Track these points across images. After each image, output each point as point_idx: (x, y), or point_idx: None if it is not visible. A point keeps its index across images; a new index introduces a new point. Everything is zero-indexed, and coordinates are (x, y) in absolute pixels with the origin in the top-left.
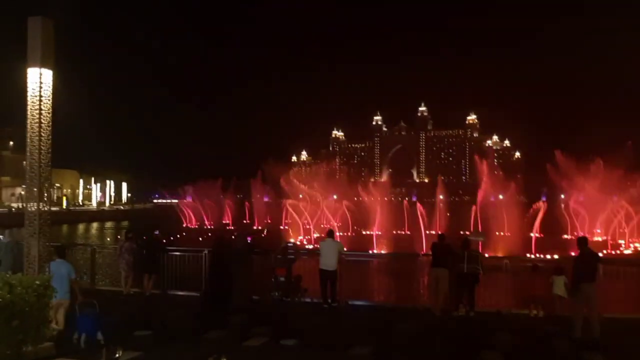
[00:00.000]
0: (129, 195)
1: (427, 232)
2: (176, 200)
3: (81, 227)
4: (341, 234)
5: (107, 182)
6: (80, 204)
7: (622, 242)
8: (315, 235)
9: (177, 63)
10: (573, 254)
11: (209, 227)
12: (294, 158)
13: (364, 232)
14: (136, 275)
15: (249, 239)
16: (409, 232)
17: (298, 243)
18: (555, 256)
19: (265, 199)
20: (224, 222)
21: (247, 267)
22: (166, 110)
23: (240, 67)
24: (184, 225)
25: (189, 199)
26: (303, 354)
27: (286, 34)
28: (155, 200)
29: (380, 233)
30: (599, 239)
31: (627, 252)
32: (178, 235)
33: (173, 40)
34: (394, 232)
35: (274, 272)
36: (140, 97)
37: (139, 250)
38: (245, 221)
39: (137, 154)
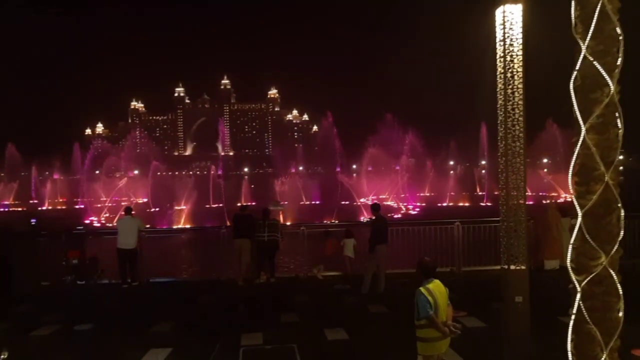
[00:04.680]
0: None
1: (238, 204)
2: None
3: None
4: (147, 210)
5: None
6: None
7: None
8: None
9: None
10: (362, 218)
11: None
12: (89, 131)
13: (169, 208)
14: None
15: (33, 221)
16: (217, 205)
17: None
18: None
19: (56, 176)
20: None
21: (32, 251)
22: None
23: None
24: None
25: None
26: (99, 338)
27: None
28: None
29: (186, 207)
30: (387, 203)
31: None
32: None
33: None
34: (201, 206)
35: (65, 255)
36: None
37: None
38: (31, 201)
39: None
